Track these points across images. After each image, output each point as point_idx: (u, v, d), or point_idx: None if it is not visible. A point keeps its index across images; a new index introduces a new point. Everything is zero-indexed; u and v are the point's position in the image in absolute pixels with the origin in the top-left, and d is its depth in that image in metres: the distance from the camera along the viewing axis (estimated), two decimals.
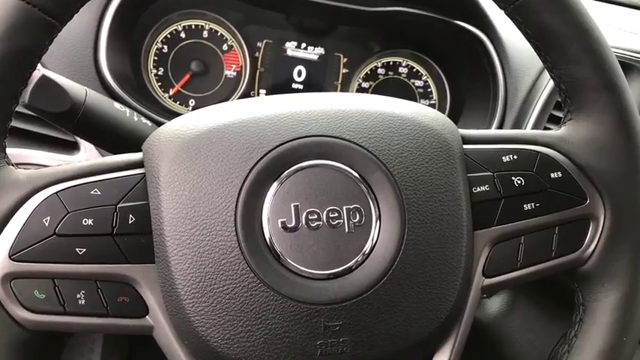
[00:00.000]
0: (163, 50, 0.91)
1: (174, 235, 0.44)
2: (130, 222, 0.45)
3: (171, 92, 0.92)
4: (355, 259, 0.45)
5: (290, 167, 0.45)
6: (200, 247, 0.44)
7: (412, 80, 0.99)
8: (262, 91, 0.95)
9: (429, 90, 0.99)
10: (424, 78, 0.99)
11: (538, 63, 0.87)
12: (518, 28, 0.52)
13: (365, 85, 0.98)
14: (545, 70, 0.85)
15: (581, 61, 0.50)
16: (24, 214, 0.44)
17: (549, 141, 0.52)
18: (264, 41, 0.95)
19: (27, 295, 0.43)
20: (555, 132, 0.53)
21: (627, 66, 0.85)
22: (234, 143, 0.45)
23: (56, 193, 0.44)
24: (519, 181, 0.50)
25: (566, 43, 0.50)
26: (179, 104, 0.92)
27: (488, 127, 0.86)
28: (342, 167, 0.46)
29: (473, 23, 0.89)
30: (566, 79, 0.51)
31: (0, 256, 0.43)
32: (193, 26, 0.92)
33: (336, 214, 0.45)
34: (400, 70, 0.99)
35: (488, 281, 0.50)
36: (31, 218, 0.43)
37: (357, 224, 0.45)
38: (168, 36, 0.91)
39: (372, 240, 0.46)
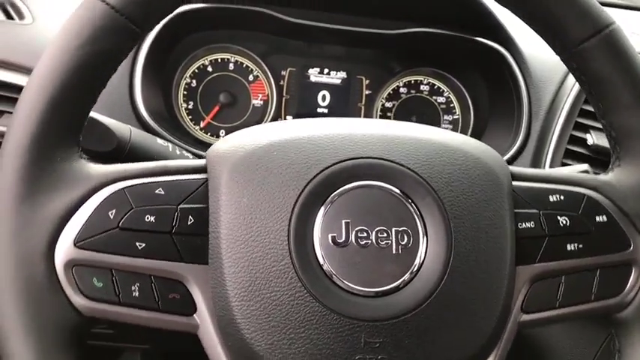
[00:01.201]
0: (192, 85, 0.95)
1: (229, 238, 0.46)
2: (189, 223, 0.47)
3: (202, 124, 0.95)
4: (400, 280, 0.47)
5: (344, 185, 0.47)
6: (253, 253, 0.46)
7: (434, 97, 1.01)
8: (289, 117, 0.98)
9: (452, 105, 1.01)
10: (446, 94, 1.01)
11: (560, 72, 0.89)
12: (572, 73, 0.54)
13: (388, 105, 1.00)
14: (568, 78, 0.88)
15: (633, 109, 0.51)
16: (91, 205, 0.46)
17: (597, 185, 0.53)
18: (288, 69, 0.98)
19: (86, 282, 0.45)
20: (603, 177, 0.54)
21: None
22: (293, 158, 0.48)
23: (123, 189, 0.47)
24: (564, 221, 0.51)
25: (619, 91, 0.51)
26: (210, 135, 0.95)
27: (514, 138, 0.88)
28: (394, 190, 0.48)
29: (492, 38, 0.91)
30: (616, 126, 0.53)
31: (66, 242, 0.45)
32: (219, 60, 0.95)
33: (385, 235, 0.47)
34: (422, 87, 1.01)
35: (526, 317, 0.51)
36: (97, 210, 0.46)
37: (404, 246, 0.47)
38: (196, 71, 0.94)
39: (418, 263, 0.47)
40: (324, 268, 0.46)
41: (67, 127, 0.47)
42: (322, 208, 0.47)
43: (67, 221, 0.46)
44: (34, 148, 0.45)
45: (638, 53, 0.52)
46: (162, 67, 0.88)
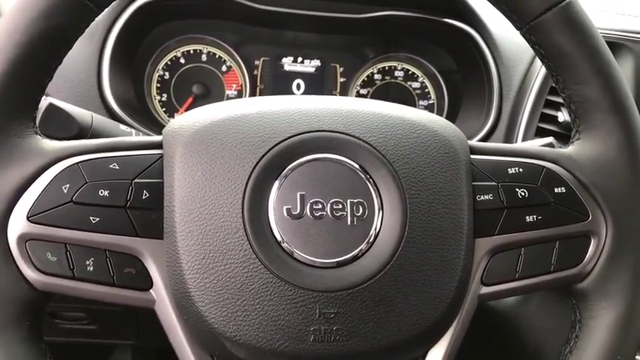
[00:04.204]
0: (165, 77, 0.94)
1: (183, 212, 0.46)
2: (143, 197, 0.47)
3: (176, 116, 0.95)
4: (355, 251, 0.47)
5: (299, 158, 0.47)
6: (207, 226, 0.46)
7: (409, 82, 1.01)
8: None
9: (427, 91, 1.01)
10: (420, 79, 1.01)
11: (529, 52, 0.89)
12: (532, 48, 0.54)
13: (363, 91, 1.00)
14: (537, 58, 0.88)
15: (590, 82, 0.51)
16: (45, 179, 0.46)
17: (556, 157, 0.53)
18: (262, 59, 0.98)
19: (39, 256, 0.46)
20: (563, 149, 0.54)
21: (616, 45, 0.86)
22: (248, 132, 0.48)
23: (77, 163, 0.47)
24: (523, 193, 0.51)
25: (576, 64, 0.51)
26: None
27: (485, 119, 0.88)
28: (350, 162, 0.48)
29: (461, 20, 0.91)
30: (575, 100, 0.53)
31: (19, 216, 0.45)
32: (192, 51, 0.95)
33: (340, 206, 0.47)
34: (396, 73, 1.01)
35: (485, 289, 0.51)
36: (51, 184, 0.46)
37: (359, 218, 0.47)
38: (169, 62, 0.94)
39: (373, 234, 0.47)
40: (279, 240, 0.46)
41: (20, 101, 0.47)
42: (277, 181, 0.47)
43: (20, 195, 0.46)
44: None
45: (595, 27, 0.52)
46: (131, 59, 0.88)
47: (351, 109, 0.51)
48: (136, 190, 0.47)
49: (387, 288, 0.46)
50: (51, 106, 0.58)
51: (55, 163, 0.47)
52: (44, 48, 0.46)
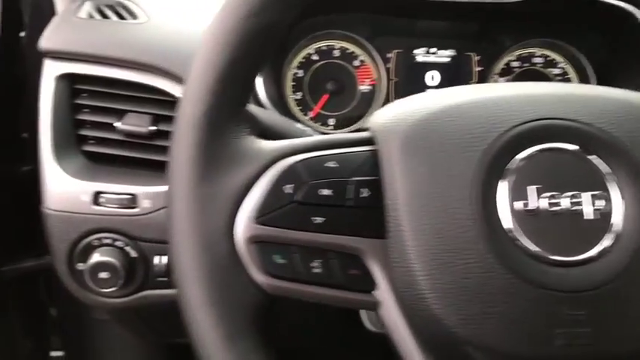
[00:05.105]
0: (298, 75, 0.93)
1: (409, 210, 0.44)
2: (364, 195, 0.46)
3: (311, 114, 0.93)
4: (599, 247, 0.43)
5: (528, 148, 0.44)
6: (437, 224, 0.43)
7: (549, 69, 0.95)
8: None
9: (568, 77, 0.95)
10: (561, 65, 0.95)
11: None
12: None
13: (502, 80, 0.96)
14: None
15: None
16: (266, 180, 0.45)
17: None
18: (394, 51, 0.94)
19: (267, 259, 0.45)
20: None
21: None
22: (469, 122, 0.45)
23: (296, 162, 0.46)
24: None
25: None
26: (320, 125, 0.93)
27: None
28: (583, 152, 0.44)
29: None
30: None
31: (245, 219, 0.45)
32: (324, 47, 0.93)
33: (578, 200, 0.43)
34: (534, 60, 0.96)
35: None
36: (273, 185, 0.45)
37: (599, 211, 0.43)
38: (302, 60, 0.92)
39: (616, 228, 0.43)
40: (515, 236, 0.43)
41: (236, 101, 0.46)
42: (506, 174, 0.44)
43: (244, 197, 0.45)
44: (208, 124, 0.45)
45: None
46: (274, 59, 0.87)
47: (574, 93, 0.47)
48: (356, 189, 0.45)
49: (636, 286, 0.42)
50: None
51: (274, 163, 0.46)
52: (256, 46, 0.46)
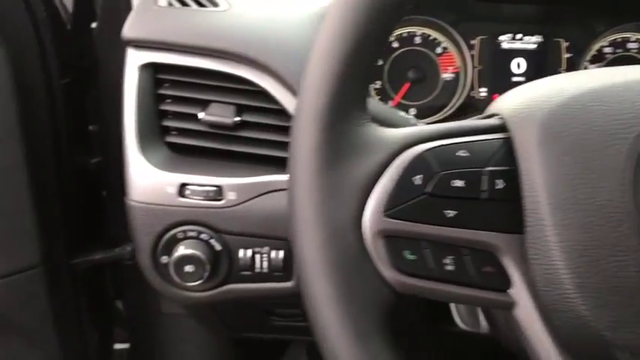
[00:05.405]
0: (378, 63, 0.89)
1: (553, 203, 0.40)
2: (498, 187, 0.42)
3: (392, 104, 0.89)
4: None
5: None
6: (584, 218, 0.39)
7: None
8: (483, 89, 0.90)
9: None
10: None
11: None
12: None
13: (592, 67, 0.90)
14: None
15: None
16: (394, 170, 0.43)
17: None
18: (478, 38, 0.90)
19: (397, 254, 0.42)
20: None
21: None
22: (617, 106, 0.41)
23: (423, 152, 0.43)
24: None
25: None
26: None
27: None
28: None
29: None
30: None
31: (374, 211, 0.42)
32: (405, 34, 0.89)
33: None
34: (629, 45, 0.90)
35: None
36: (401, 176, 0.42)
37: None
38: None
39: None
40: None
41: (361, 84, 0.44)
42: None
43: (372, 188, 0.42)
44: (331, 110, 0.42)
45: None
46: None
47: None
48: (490, 180, 0.42)
49: None
50: None
51: (402, 152, 0.43)
52: (383, 24, 0.43)
